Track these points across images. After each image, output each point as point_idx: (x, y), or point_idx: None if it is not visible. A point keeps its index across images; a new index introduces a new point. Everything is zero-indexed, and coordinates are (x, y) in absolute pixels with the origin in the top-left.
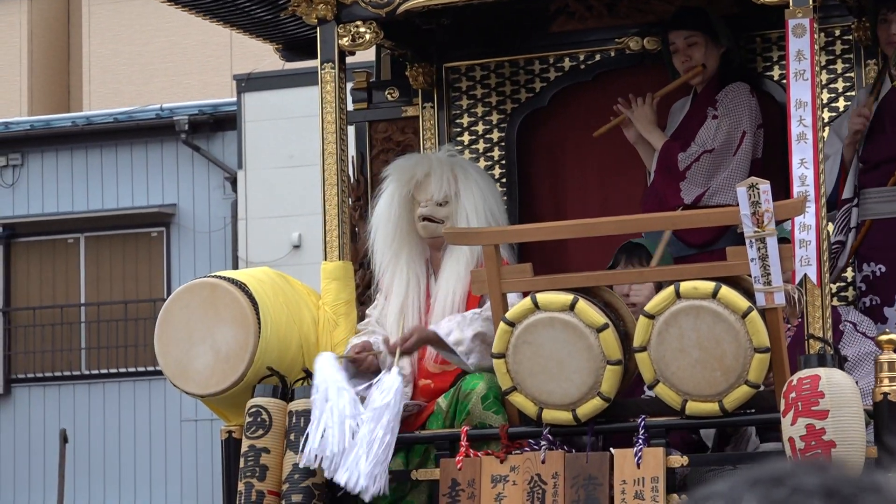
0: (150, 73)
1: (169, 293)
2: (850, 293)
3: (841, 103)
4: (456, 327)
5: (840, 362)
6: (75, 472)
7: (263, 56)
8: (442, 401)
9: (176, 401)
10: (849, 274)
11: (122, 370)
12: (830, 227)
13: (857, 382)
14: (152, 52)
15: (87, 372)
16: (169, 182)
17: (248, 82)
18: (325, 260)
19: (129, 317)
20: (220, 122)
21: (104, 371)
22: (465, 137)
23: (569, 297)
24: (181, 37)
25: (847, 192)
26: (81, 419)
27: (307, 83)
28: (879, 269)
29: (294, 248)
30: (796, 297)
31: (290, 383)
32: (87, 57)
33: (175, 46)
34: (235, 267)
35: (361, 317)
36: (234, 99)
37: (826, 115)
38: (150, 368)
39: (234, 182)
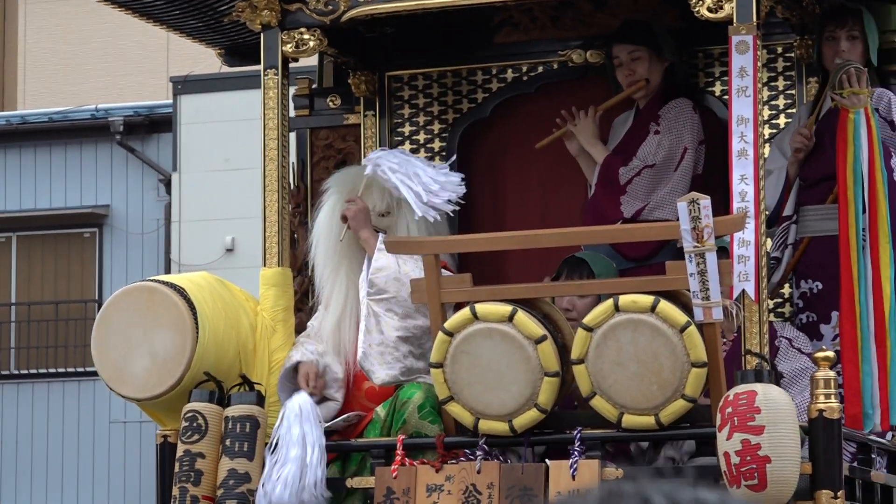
0: (85, 73)
1: (101, 294)
2: (787, 309)
3: (782, 120)
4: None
5: (776, 378)
6: (2, 473)
7: (200, 58)
8: (381, 409)
9: (105, 402)
10: (786, 290)
11: (52, 370)
12: (769, 242)
13: (792, 399)
14: (88, 52)
15: (16, 372)
16: (103, 183)
17: (185, 84)
18: (265, 266)
19: (59, 317)
20: (156, 124)
21: (33, 371)
22: (407, 146)
23: (508, 308)
24: (118, 37)
25: (788, 210)
26: (9, 419)
27: (244, 86)
28: (816, 286)
29: (227, 251)
30: (734, 312)
31: (226, 389)
32: (23, 55)
33: (111, 47)
34: (168, 269)
35: (300, 323)
36: (170, 101)
37: (767, 131)
38: (80, 369)
39: (168, 184)
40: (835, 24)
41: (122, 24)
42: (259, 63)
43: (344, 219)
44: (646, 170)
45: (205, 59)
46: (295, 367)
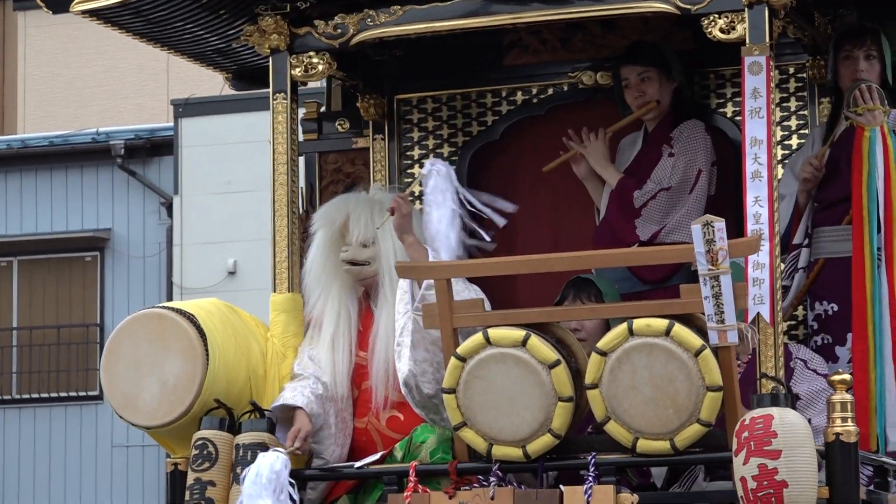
0: (86, 96)
1: (102, 318)
2: (801, 332)
3: (794, 141)
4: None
5: (793, 402)
6: (4, 497)
7: (201, 81)
8: (398, 450)
9: (108, 426)
10: (799, 312)
11: (54, 395)
12: (783, 264)
13: (809, 420)
14: (88, 75)
15: (18, 396)
16: (104, 206)
17: (186, 107)
18: (274, 292)
19: (61, 341)
20: (157, 147)
21: (35, 395)
22: (416, 170)
23: (521, 333)
24: (118, 60)
25: (798, 238)
26: (11, 443)
27: (245, 109)
28: (832, 307)
29: (229, 274)
30: (749, 335)
31: (237, 416)
32: (23, 79)
33: (112, 70)
34: (169, 292)
35: None
36: (171, 124)
37: (779, 152)
38: (83, 393)
39: (169, 207)
40: (852, 43)
41: (122, 47)
42: (266, 86)
43: (391, 210)
44: (661, 193)
45: (205, 82)
46: (287, 408)
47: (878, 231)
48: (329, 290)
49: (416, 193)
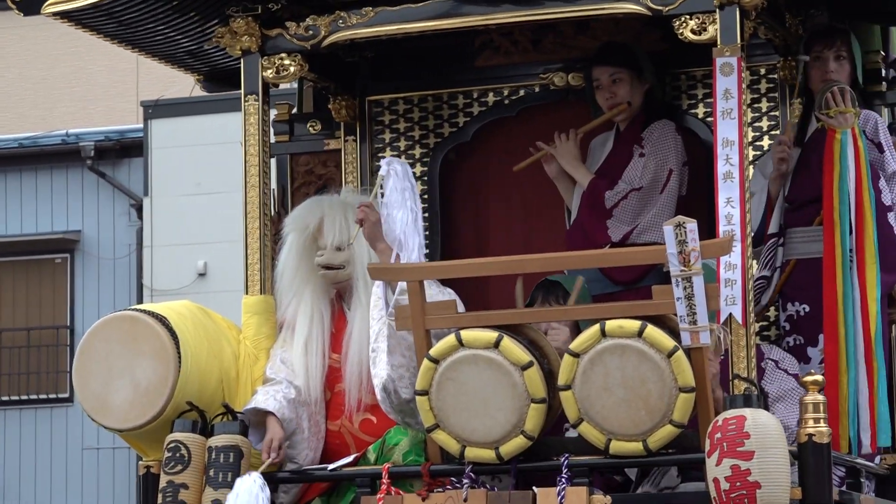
0: (55, 98)
1: (73, 320)
2: (773, 332)
3: (765, 142)
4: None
5: (765, 402)
6: None
7: (170, 82)
8: (371, 452)
9: (78, 428)
10: (772, 313)
11: (25, 397)
12: (755, 264)
13: (779, 419)
14: (57, 77)
15: None
16: (74, 208)
17: (155, 109)
18: (247, 294)
19: (31, 343)
20: (127, 149)
21: (5, 398)
22: None
23: (493, 335)
24: (87, 62)
25: (773, 228)
26: None
27: (215, 110)
28: (803, 308)
29: (200, 276)
30: (721, 336)
31: (209, 418)
32: None
33: (81, 72)
34: (140, 294)
35: None
36: (141, 125)
37: (751, 153)
38: (53, 396)
39: (139, 209)
40: (822, 44)
41: (91, 49)
42: (238, 88)
43: (360, 222)
44: (632, 193)
45: (175, 83)
46: (259, 412)
47: (850, 233)
48: (302, 294)
49: (380, 197)
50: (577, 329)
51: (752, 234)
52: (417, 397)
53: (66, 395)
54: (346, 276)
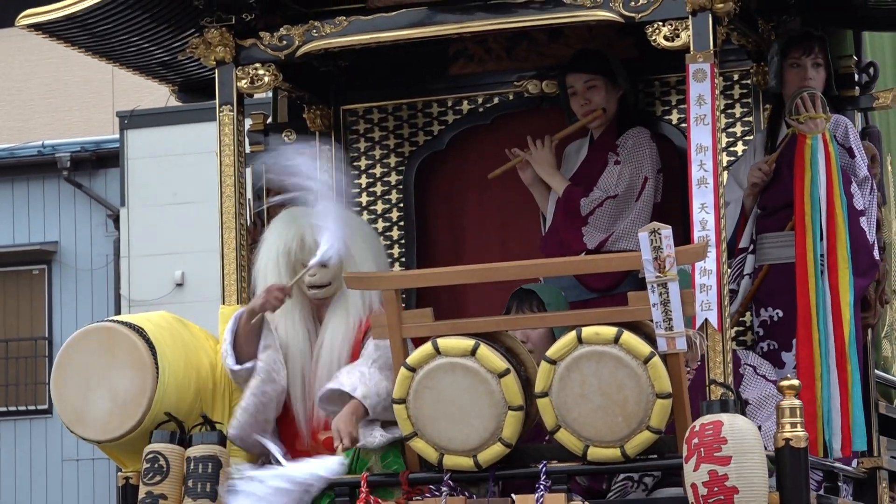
0: (31, 109)
1: (51, 331)
2: (749, 337)
3: (739, 147)
4: (359, 382)
5: (742, 407)
6: None
7: (146, 93)
8: (345, 458)
9: (57, 440)
10: (747, 318)
11: (3, 409)
12: (729, 270)
13: (759, 427)
14: (33, 87)
15: None
16: (51, 219)
17: (132, 119)
18: (223, 304)
19: (9, 355)
20: (103, 159)
21: None
22: (363, 180)
23: (470, 343)
24: (62, 73)
25: (744, 242)
26: None
27: (191, 120)
28: (777, 313)
29: (177, 286)
30: (697, 342)
31: (187, 429)
32: None
33: (56, 82)
34: (118, 305)
35: None
36: (117, 136)
37: (725, 159)
38: (32, 407)
39: (116, 219)
40: (800, 51)
41: (66, 59)
42: (213, 98)
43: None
44: (608, 201)
45: (151, 94)
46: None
47: (821, 238)
48: (293, 316)
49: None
50: (552, 335)
51: (726, 242)
52: (395, 406)
53: (45, 407)
54: (332, 292)
